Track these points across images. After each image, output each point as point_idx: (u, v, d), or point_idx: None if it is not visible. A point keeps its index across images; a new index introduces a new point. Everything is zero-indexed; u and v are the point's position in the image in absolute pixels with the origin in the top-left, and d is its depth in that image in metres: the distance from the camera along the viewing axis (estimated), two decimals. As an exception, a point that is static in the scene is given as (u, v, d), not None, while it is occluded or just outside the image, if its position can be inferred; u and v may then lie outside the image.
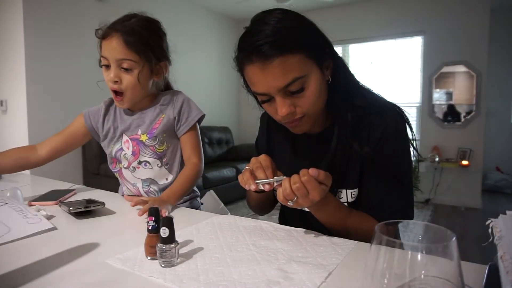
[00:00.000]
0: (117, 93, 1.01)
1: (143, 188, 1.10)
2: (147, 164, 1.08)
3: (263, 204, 0.97)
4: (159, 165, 1.09)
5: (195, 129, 1.11)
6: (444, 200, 4.07)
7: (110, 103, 1.14)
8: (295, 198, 0.64)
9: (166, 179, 1.10)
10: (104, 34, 0.98)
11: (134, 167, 1.08)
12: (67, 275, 0.55)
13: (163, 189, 1.09)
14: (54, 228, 0.76)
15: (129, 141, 1.08)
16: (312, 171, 0.63)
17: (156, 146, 1.07)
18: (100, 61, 1.02)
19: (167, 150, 1.09)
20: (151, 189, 1.09)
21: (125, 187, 1.14)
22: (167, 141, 1.08)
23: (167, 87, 1.17)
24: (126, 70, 0.98)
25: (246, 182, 0.69)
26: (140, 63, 0.98)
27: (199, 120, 1.12)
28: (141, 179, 1.09)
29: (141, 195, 1.10)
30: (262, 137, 0.99)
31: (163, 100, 1.10)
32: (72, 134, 1.15)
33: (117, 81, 0.98)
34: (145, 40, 0.98)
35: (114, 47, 0.96)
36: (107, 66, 0.99)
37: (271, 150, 0.95)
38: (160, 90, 1.14)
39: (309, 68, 0.70)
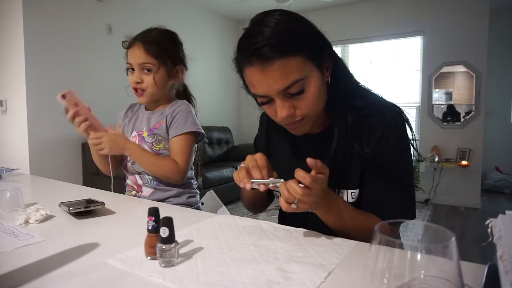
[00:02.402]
0: (137, 90, 1.15)
1: (139, 177, 1.20)
2: None
3: (257, 202, 0.98)
4: None
5: (186, 138, 1.15)
6: (443, 200, 4.07)
7: (134, 104, 1.31)
8: (296, 199, 0.63)
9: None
10: (129, 45, 1.16)
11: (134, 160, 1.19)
12: (67, 275, 0.55)
13: (158, 179, 1.17)
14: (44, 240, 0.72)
15: (136, 136, 1.20)
16: (310, 160, 0.63)
17: (154, 143, 1.17)
18: (127, 68, 1.19)
19: (163, 149, 1.17)
20: (145, 176, 1.19)
21: (128, 178, 1.25)
22: (165, 142, 1.18)
23: (185, 92, 1.30)
24: (148, 71, 1.13)
25: (242, 180, 0.70)
26: (157, 66, 1.14)
27: (198, 139, 1.19)
28: (138, 172, 1.19)
29: (139, 185, 1.20)
30: (261, 136, 0.99)
31: (170, 106, 1.20)
32: None
33: (139, 82, 1.14)
34: (161, 47, 1.14)
35: (137, 54, 1.13)
36: (132, 70, 1.16)
37: (270, 150, 0.95)
38: (178, 95, 1.27)
39: (309, 70, 0.70)
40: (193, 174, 1.27)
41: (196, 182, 1.28)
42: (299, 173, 0.63)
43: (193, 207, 1.18)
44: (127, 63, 1.17)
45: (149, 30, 1.18)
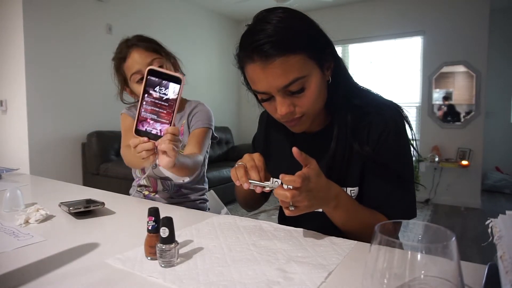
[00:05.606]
0: None
1: (161, 183, 1.18)
2: None
3: (251, 201, 0.98)
4: None
5: (206, 131, 1.17)
6: (443, 200, 4.07)
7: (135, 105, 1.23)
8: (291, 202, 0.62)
9: (183, 180, 1.18)
10: (123, 56, 1.09)
11: (156, 164, 1.15)
12: (67, 275, 0.55)
13: (179, 184, 1.17)
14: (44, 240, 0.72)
15: None
16: (295, 150, 0.62)
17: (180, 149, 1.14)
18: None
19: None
20: (167, 182, 1.18)
21: (145, 179, 1.20)
22: None
23: None
24: (160, 67, 1.05)
25: (240, 179, 0.70)
26: (164, 58, 1.10)
27: (213, 136, 1.21)
28: (159, 177, 1.17)
29: (157, 188, 1.18)
30: (260, 135, 1.00)
31: (188, 106, 1.19)
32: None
33: None
34: (155, 42, 1.12)
35: (139, 57, 1.07)
36: (140, 80, 1.07)
37: (268, 149, 0.95)
38: None
39: (310, 69, 0.70)
40: (206, 183, 1.27)
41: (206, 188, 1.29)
42: (286, 179, 0.61)
43: None
44: (132, 74, 1.08)
45: (132, 37, 1.11)
